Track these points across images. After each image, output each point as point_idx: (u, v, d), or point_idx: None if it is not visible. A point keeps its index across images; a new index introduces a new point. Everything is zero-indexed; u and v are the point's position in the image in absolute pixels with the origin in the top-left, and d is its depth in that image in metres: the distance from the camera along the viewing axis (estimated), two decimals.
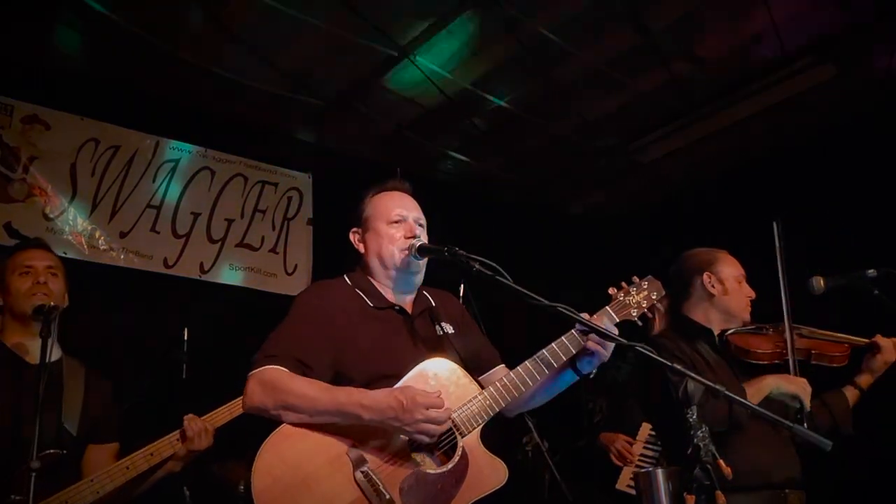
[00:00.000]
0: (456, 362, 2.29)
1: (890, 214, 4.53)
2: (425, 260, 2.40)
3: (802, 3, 4.12)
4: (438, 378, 2.23)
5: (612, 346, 2.25)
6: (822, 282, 3.11)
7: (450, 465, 2.14)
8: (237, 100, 4.77)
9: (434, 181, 5.84)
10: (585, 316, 2.23)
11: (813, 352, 3.00)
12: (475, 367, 2.41)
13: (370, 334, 2.28)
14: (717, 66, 4.64)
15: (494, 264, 2.20)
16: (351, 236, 2.52)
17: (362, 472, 2.06)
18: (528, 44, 4.34)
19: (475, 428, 2.21)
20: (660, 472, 2.70)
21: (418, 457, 2.16)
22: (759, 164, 5.52)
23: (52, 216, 4.33)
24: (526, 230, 6.00)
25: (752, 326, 3.05)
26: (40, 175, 4.32)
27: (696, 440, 1.93)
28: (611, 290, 2.41)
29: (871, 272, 3.07)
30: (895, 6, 4.13)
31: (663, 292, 2.50)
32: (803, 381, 2.79)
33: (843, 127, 5.02)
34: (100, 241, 4.47)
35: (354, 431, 2.11)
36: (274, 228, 5.15)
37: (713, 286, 3.02)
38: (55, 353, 2.75)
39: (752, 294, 3.06)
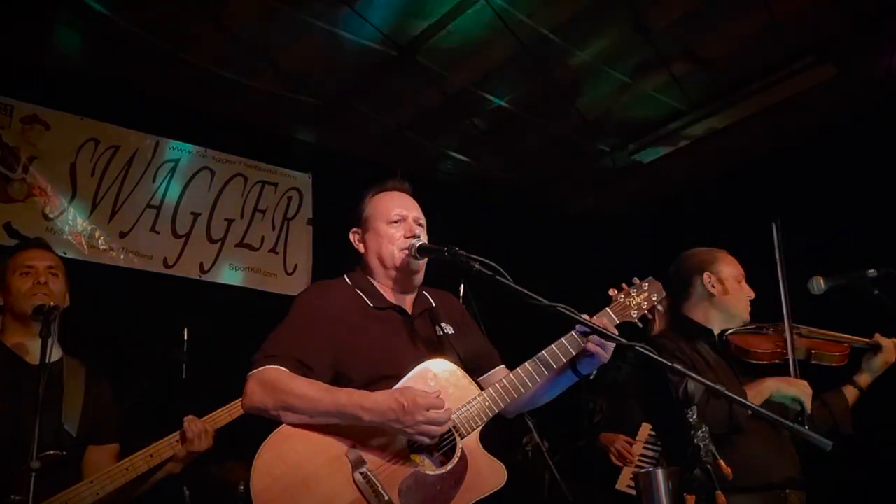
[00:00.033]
0: (456, 363, 2.29)
1: (890, 214, 4.53)
2: (425, 260, 2.39)
3: (802, 3, 4.12)
4: (438, 379, 2.23)
5: (611, 347, 2.25)
6: (822, 282, 3.12)
7: (449, 467, 2.14)
8: (237, 100, 4.77)
9: (434, 181, 5.84)
10: (585, 317, 2.23)
11: (813, 352, 3.00)
12: (475, 368, 2.41)
13: (370, 335, 2.28)
14: (717, 66, 4.64)
15: (494, 264, 2.19)
16: (351, 236, 2.52)
17: (361, 473, 2.06)
18: (528, 44, 4.34)
19: (474, 429, 2.21)
20: (660, 472, 2.70)
21: (417, 458, 2.16)
22: (759, 164, 5.52)
23: (51, 216, 4.33)
24: (526, 230, 6.00)
25: (752, 326, 3.05)
26: (40, 175, 4.33)
27: (696, 440, 1.93)
28: (611, 292, 2.41)
29: (871, 272, 3.07)
30: (895, 6, 4.13)
31: (664, 294, 2.49)
32: (804, 383, 2.79)
33: (843, 127, 5.02)
34: (99, 241, 4.47)
35: (354, 432, 2.11)
36: (274, 228, 5.15)
37: (713, 286, 3.02)
38: (55, 354, 2.75)
39: (752, 294, 3.06)
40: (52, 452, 2.51)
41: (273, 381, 2.11)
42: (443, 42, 4.33)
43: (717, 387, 2.00)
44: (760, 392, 2.74)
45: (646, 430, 4.21)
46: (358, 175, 3.60)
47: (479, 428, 2.22)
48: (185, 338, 3.69)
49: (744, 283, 3.06)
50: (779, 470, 2.75)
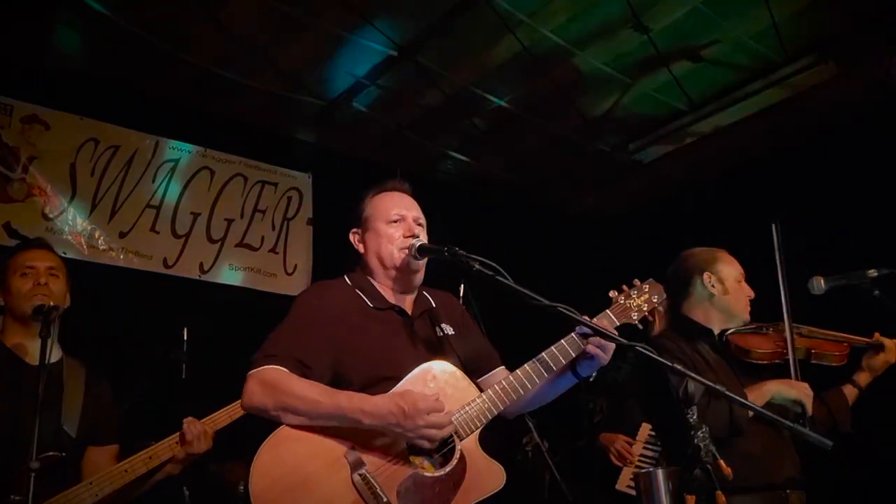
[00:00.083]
0: (455, 364, 2.29)
1: (890, 214, 4.53)
2: (425, 260, 2.39)
3: (802, 2, 4.12)
4: (437, 381, 2.22)
5: (611, 350, 2.24)
6: (822, 282, 3.11)
7: (448, 469, 2.14)
8: (237, 100, 4.77)
9: (434, 181, 5.84)
10: (585, 318, 2.22)
11: (813, 351, 3.00)
12: (475, 369, 2.41)
13: (370, 335, 2.28)
14: (717, 66, 4.64)
15: (494, 264, 2.19)
16: (351, 237, 2.51)
17: (360, 475, 2.06)
18: (528, 44, 4.34)
19: (473, 431, 2.20)
20: (660, 472, 2.69)
21: (416, 460, 2.15)
22: (759, 164, 5.52)
23: (51, 216, 4.33)
24: (526, 230, 6.00)
25: (753, 326, 3.05)
26: (40, 175, 4.32)
27: (696, 440, 1.93)
28: (611, 294, 2.40)
29: (872, 272, 3.07)
30: (895, 6, 4.13)
31: (664, 296, 2.48)
32: (805, 385, 2.78)
33: (843, 127, 5.02)
34: (99, 241, 4.46)
35: (353, 434, 2.11)
36: (274, 228, 5.15)
37: (713, 286, 3.01)
38: (55, 354, 2.75)
39: (752, 294, 3.06)
40: (51, 454, 2.51)
41: (274, 381, 2.11)
42: (443, 42, 4.33)
43: (718, 387, 2.00)
44: (761, 395, 2.74)
45: (646, 430, 4.21)
46: (358, 175, 3.59)
47: (479, 430, 2.21)
48: (185, 338, 3.69)
49: (744, 283, 3.06)
50: (779, 470, 2.75)
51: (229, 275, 4.89)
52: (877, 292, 3.04)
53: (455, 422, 2.17)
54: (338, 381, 2.19)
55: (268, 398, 2.09)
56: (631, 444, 4.21)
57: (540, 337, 2.32)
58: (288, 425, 2.09)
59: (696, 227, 4.38)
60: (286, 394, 2.08)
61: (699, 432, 1.94)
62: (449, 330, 2.44)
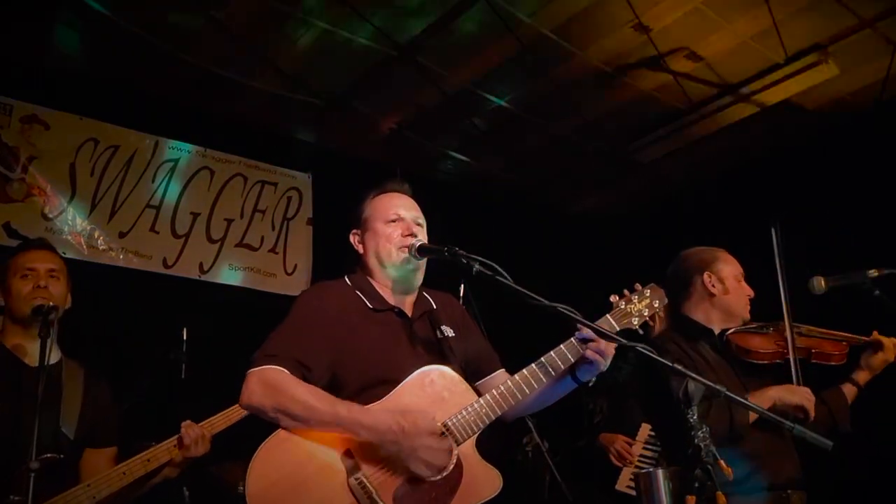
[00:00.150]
0: (455, 366, 2.27)
1: (890, 214, 4.53)
2: (424, 260, 2.38)
3: (802, 2, 4.12)
4: (435, 385, 2.20)
5: (610, 355, 2.23)
6: (822, 282, 3.10)
7: (444, 474, 2.12)
8: (237, 100, 4.77)
9: (434, 181, 5.84)
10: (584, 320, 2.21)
11: (813, 350, 2.99)
12: (475, 372, 2.40)
13: (369, 337, 2.26)
14: (717, 66, 4.64)
15: (494, 264, 2.18)
16: (351, 238, 2.51)
17: (356, 479, 2.04)
18: (528, 44, 4.34)
19: (470, 436, 2.18)
20: (660, 472, 2.68)
21: None
22: (759, 164, 5.52)
23: (51, 216, 4.33)
24: (526, 230, 5.99)
25: (753, 326, 3.05)
26: (39, 175, 4.32)
27: (696, 440, 1.93)
28: (612, 298, 2.37)
29: (872, 272, 3.07)
30: (895, 6, 4.13)
31: (666, 300, 2.44)
32: (806, 390, 2.77)
33: (843, 127, 5.02)
34: (99, 241, 4.46)
35: (350, 438, 2.09)
36: (273, 228, 5.15)
37: (713, 285, 3.01)
38: (55, 356, 2.74)
39: (752, 293, 3.05)
40: (49, 456, 2.50)
41: (274, 383, 2.09)
42: (443, 42, 4.33)
43: (718, 387, 2.00)
44: (764, 401, 2.73)
45: (646, 430, 4.21)
46: (358, 175, 3.60)
47: (476, 435, 2.19)
48: (185, 338, 3.70)
49: (743, 283, 3.06)
50: (780, 470, 2.75)
51: (229, 275, 4.89)
52: (877, 292, 3.04)
53: (452, 426, 2.15)
54: (335, 383, 2.18)
55: (267, 399, 2.08)
56: (631, 445, 4.21)
57: (540, 337, 2.31)
58: (284, 429, 2.09)
59: (696, 227, 4.38)
60: (286, 397, 2.07)
61: (699, 432, 1.93)
62: (449, 332, 2.41)
